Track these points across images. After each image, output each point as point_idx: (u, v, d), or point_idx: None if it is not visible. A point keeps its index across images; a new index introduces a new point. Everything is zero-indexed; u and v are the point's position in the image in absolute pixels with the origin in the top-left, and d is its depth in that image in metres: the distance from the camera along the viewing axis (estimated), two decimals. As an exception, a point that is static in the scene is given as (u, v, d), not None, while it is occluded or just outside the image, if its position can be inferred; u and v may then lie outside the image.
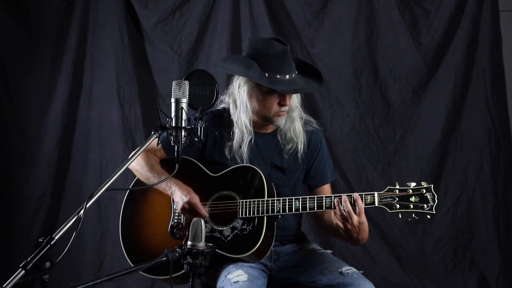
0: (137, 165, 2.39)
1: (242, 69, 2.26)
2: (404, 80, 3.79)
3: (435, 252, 3.76)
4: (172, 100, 1.79)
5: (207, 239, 1.76)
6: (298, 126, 2.34)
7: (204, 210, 2.25)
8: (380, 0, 3.78)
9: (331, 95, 3.80)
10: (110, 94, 3.85)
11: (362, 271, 2.24)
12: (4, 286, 1.41)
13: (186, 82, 1.80)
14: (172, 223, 2.32)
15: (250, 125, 2.30)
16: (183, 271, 1.73)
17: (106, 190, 1.63)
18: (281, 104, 2.26)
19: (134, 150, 2.22)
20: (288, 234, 2.40)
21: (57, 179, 3.85)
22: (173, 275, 1.77)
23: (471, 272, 3.73)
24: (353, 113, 3.80)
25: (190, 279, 1.73)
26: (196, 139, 1.79)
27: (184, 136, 1.77)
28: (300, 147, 2.35)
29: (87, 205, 1.57)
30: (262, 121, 2.33)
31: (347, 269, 2.21)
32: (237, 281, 2.09)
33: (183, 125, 1.77)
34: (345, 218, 2.11)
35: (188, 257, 1.71)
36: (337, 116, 3.81)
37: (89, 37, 3.86)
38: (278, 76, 2.22)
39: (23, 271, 1.44)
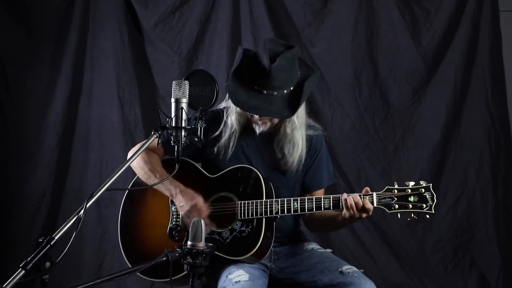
0: (138, 164, 2.36)
1: (231, 71, 2.22)
2: (404, 80, 3.79)
3: (435, 252, 3.76)
4: (172, 100, 1.79)
5: (206, 242, 1.76)
6: (298, 133, 2.29)
7: (206, 213, 2.25)
8: (380, 0, 3.77)
9: (331, 95, 3.80)
10: (110, 94, 3.85)
11: (363, 270, 2.24)
12: (4, 286, 1.41)
13: (186, 82, 1.80)
14: (171, 225, 2.31)
15: (238, 124, 2.29)
16: (184, 273, 1.73)
17: (106, 190, 1.63)
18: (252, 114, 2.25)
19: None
20: (285, 234, 2.39)
21: (57, 179, 3.84)
22: (173, 278, 1.77)
23: (471, 272, 3.73)
24: (353, 113, 3.80)
25: (190, 280, 1.73)
26: (196, 139, 1.79)
27: (184, 136, 1.77)
28: (301, 152, 2.31)
29: (87, 205, 1.57)
30: (250, 122, 2.31)
31: (347, 268, 2.21)
32: (239, 281, 2.09)
33: (183, 125, 1.77)
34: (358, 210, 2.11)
35: (188, 257, 1.71)
36: (337, 116, 3.80)
37: (89, 37, 3.86)
38: (256, 87, 2.16)
39: (23, 271, 1.44)
